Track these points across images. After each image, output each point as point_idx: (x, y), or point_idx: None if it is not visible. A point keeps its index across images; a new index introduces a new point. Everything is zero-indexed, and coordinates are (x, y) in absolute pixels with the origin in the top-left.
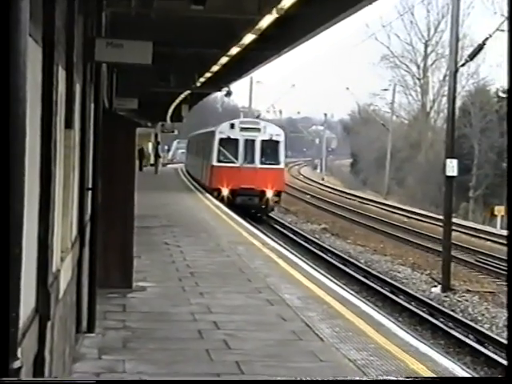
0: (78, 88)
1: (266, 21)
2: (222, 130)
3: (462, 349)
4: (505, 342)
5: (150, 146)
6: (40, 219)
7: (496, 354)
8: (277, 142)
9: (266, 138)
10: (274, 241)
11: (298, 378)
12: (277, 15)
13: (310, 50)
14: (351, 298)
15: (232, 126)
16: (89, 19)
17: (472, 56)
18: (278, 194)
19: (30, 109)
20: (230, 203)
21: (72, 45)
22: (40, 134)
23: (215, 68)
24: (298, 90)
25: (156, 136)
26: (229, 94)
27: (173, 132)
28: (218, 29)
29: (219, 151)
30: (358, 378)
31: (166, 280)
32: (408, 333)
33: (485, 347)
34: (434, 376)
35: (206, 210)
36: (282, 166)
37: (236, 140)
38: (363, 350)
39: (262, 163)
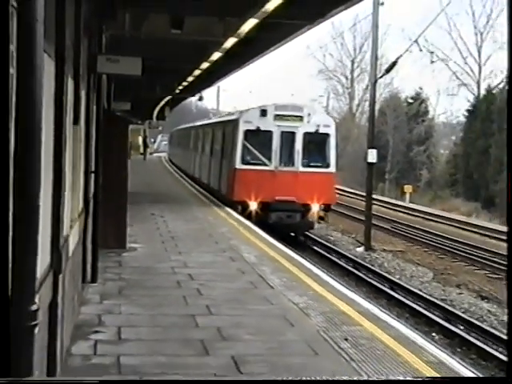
0: (83, 93)
1: (229, 42)
2: (249, 119)
3: (379, 294)
4: None
5: (140, 139)
6: (53, 195)
7: (405, 298)
8: (325, 136)
9: (311, 129)
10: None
11: (298, 378)
12: (237, 38)
13: (264, 65)
14: (296, 256)
15: (263, 112)
16: (92, 39)
17: (387, 70)
18: (326, 208)
19: (45, 109)
20: (261, 221)
21: (78, 60)
22: (53, 129)
23: (190, 78)
24: (255, 96)
25: (144, 131)
26: (201, 98)
27: (157, 128)
28: (192, 48)
29: (244, 148)
30: (358, 378)
31: (151, 242)
32: (339, 282)
33: (396, 293)
34: (434, 376)
35: (183, 188)
36: (332, 169)
37: (269, 133)
38: (304, 295)
39: (305, 166)
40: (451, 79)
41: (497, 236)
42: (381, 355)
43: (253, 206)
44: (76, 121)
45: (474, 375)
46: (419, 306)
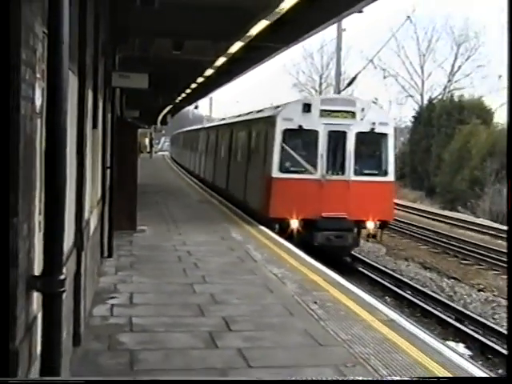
0: (100, 103)
1: (220, 61)
2: (289, 115)
3: (341, 266)
4: None
5: (147, 140)
6: (77, 186)
7: (363, 269)
8: (382, 137)
9: (366, 128)
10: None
11: (298, 378)
12: (226, 58)
13: (249, 79)
14: (274, 235)
15: (307, 107)
16: (108, 59)
17: (348, 84)
18: (382, 225)
19: (70, 116)
20: (304, 242)
21: (97, 76)
22: (76, 132)
23: (188, 91)
24: (241, 105)
25: (151, 134)
26: (196, 107)
27: (161, 131)
28: (189, 66)
29: (283, 153)
30: (358, 378)
31: (157, 225)
32: (313, 258)
33: (357, 266)
34: (435, 376)
35: (181, 180)
36: (390, 177)
37: (313, 133)
38: (282, 268)
39: (357, 173)
40: (400, 92)
41: (437, 218)
42: (343, 315)
43: (294, 224)
44: (95, 125)
45: (425, 334)
46: (375, 275)
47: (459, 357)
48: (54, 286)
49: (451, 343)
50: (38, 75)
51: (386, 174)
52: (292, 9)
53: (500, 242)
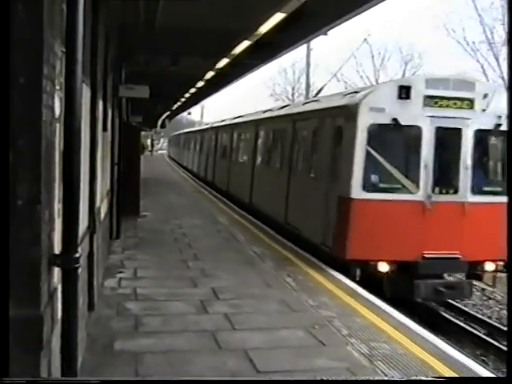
0: (109, 110)
1: (209, 75)
2: (378, 104)
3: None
4: None
5: (149, 141)
6: (90, 179)
7: None
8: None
9: (489, 124)
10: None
11: (298, 379)
12: (214, 72)
13: (235, 91)
14: (256, 221)
15: (404, 91)
16: (116, 74)
17: (316, 94)
18: (504, 266)
19: (84, 121)
20: (399, 294)
21: (106, 87)
22: (89, 134)
23: (182, 99)
24: (229, 113)
25: (152, 136)
26: (189, 113)
27: (160, 134)
28: (184, 79)
29: (369, 160)
30: (357, 378)
31: (157, 211)
32: (284, 242)
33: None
34: (434, 376)
35: (176, 173)
36: None
37: (414, 130)
38: (261, 247)
39: (476, 192)
40: None
41: None
42: (313, 286)
43: (383, 268)
44: (105, 129)
45: (380, 301)
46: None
47: (408, 319)
48: (70, 263)
49: None
50: (56, 87)
51: None
52: (269, 32)
53: None
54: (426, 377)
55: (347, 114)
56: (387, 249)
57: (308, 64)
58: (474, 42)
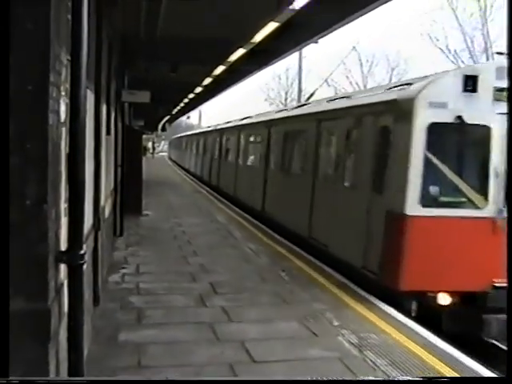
0: (112, 114)
1: (207, 81)
2: (438, 98)
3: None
4: None
5: (150, 144)
6: (94, 181)
7: None
8: None
9: None
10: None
11: (298, 379)
12: (211, 78)
13: (231, 95)
14: (252, 219)
15: (470, 82)
16: (118, 80)
17: (307, 99)
18: None
19: (88, 124)
20: (459, 328)
21: (109, 93)
22: (94, 137)
23: (182, 104)
24: (226, 117)
25: (153, 139)
26: (188, 117)
27: (161, 137)
28: (183, 85)
29: (428, 168)
30: (358, 379)
31: (158, 210)
32: (278, 239)
33: None
34: (434, 376)
35: (176, 174)
36: None
37: (481, 131)
38: (257, 244)
39: None
40: None
41: None
42: (306, 280)
43: (444, 300)
44: (108, 132)
45: (369, 296)
46: None
47: (398, 312)
48: (76, 259)
49: None
50: (62, 93)
51: None
52: (263, 41)
53: None
54: (427, 377)
55: (398, 110)
56: (449, 277)
57: (300, 70)
58: (455, 50)
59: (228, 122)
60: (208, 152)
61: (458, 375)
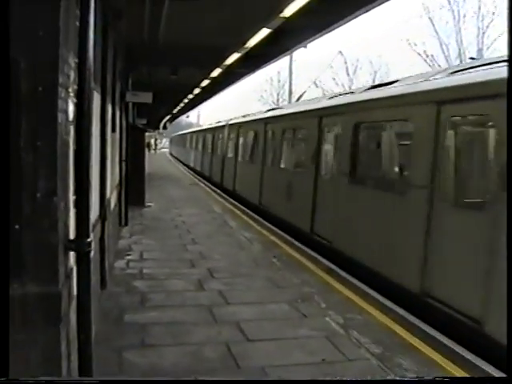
0: (117, 114)
1: (204, 83)
2: None
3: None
4: None
5: (152, 141)
6: (100, 175)
7: None
8: None
9: None
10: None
11: (297, 379)
12: (209, 80)
13: (225, 96)
14: (245, 209)
15: None
16: (123, 82)
17: (297, 99)
18: None
19: (94, 123)
20: None
21: (114, 94)
22: (100, 135)
23: (181, 104)
24: (220, 116)
25: (155, 136)
26: (188, 116)
27: (163, 134)
28: (182, 87)
29: None
30: (358, 378)
31: (160, 202)
32: (271, 228)
33: None
34: (434, 376)
35: (176, 169)
36: None
37: None
38: (250, 232)
39: None
40: None
41: None
42: (296, 265)
43: None
44: (113, 130)
45: (354, 279)
46: None
47: (378, 294)
48: (84, 247)
49: None
50: (70, 94)
51: None
52: (256, 46)
53: None
54: (427, 377)
55: None
56: None
57: (291, 72)
58: (432, 55)
59: (246, 115)
60: (218, 150)
61: (432, 350)
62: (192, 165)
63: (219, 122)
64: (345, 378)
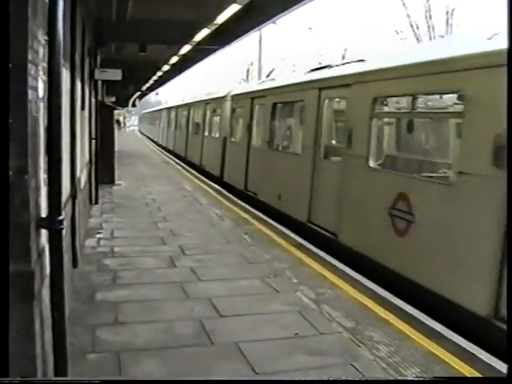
0: (87, 91)
1: (173, 59)
2: None
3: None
4: None
5: (121, 118)
6: (71, 152)
7: None
8: None
9: None
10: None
11: (298, 379)
12: (178, 57)
13: (196, 74)
14: (216, 186)
15: None
16: (92, 59)
17: (267, 76)
18: None
19: (64, 100)
20: None
21: (83, 71)
22: (70, 113)
23: (151, 81)
24: (189, 94)
25: (124, 114)
26: (157, 93)
27: (132, 112)
28: (151, 63)
29: None
30: (358, 379)
31: (130, 180)
32: (242, 205)
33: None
34: (435, 376)
35: (145, 146)
36: None
37: None
38: (221, 209)
39: None
40: None
41: None
42: (266, 241)
43: None
44: (83, 107)
45: (324, 253)
46: None
47: (353, 271)
48: (56, 225)
49: None
50: (40, 71)
51: None
52: (225, 22)
53: None
54: (427, 377)
55: None
56: None
57: (260, 49)
58: (401, 31)
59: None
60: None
61: (403, 323)
62: (161, 142)
63: (183, 100)
64: (345, 378)
